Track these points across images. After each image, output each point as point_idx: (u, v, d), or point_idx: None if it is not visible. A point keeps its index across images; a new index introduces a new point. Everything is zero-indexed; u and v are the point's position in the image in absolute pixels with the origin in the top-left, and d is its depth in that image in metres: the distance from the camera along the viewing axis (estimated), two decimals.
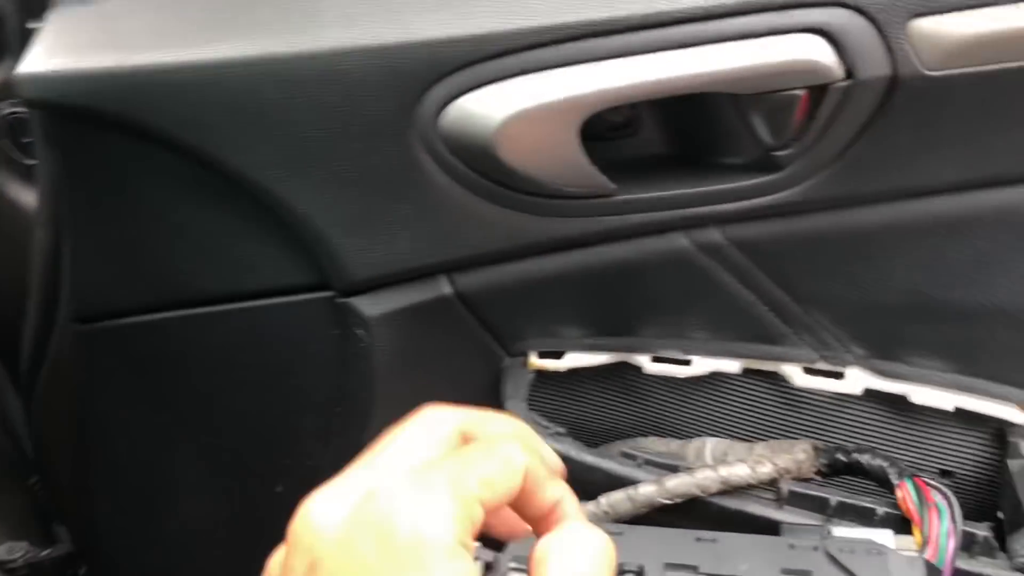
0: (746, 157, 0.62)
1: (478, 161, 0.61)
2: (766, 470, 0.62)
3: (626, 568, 0.52)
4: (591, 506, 0.63)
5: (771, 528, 0.61)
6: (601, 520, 0.62)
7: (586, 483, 0.66)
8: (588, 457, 0.66)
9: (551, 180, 0.61)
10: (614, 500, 0.63)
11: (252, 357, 0.73)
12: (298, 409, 0.74)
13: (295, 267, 0.68)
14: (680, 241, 0.64)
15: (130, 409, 0.78)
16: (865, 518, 0.60)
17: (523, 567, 0.52)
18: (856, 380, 0.67)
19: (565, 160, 0.60)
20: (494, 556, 0.54)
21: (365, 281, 0.66)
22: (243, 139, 0.62)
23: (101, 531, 0.86)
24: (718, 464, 0.63)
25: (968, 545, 0.58)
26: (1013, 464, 0.65)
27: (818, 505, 0.61)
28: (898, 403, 0.68)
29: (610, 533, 0.54)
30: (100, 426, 0.79)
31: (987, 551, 0.59)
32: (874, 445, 0.68)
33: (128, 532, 0.85)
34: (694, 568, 0.52)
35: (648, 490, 0.62)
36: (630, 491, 0.62)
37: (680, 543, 0.54)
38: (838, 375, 0.68)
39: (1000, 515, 0.65)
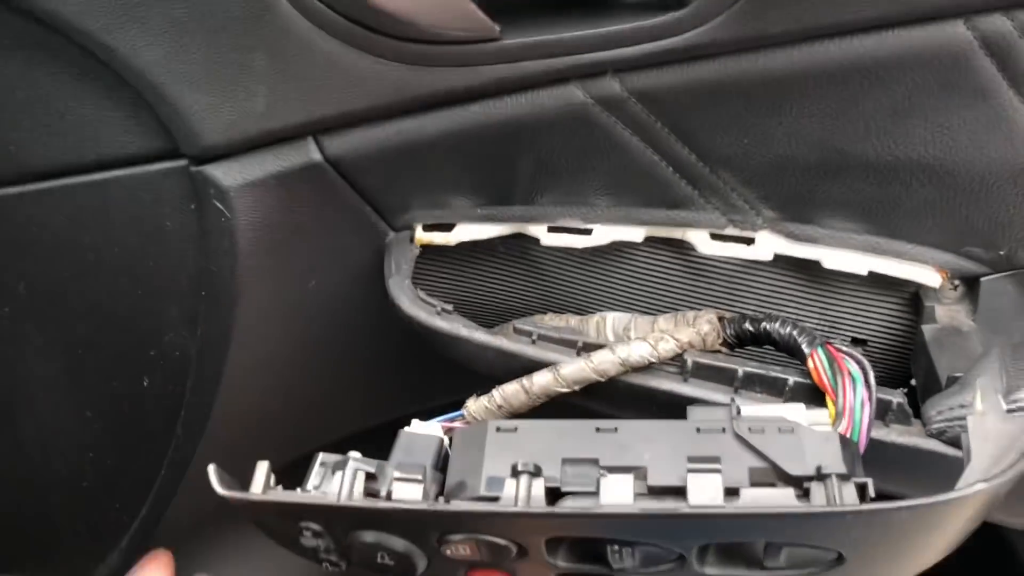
0: None
1: (342, 0, 0.53)
2: (668, 347, 0.57)
3: (522, 468, 0.47)
4: (484, 400, 0.58)
5: (676, 403, 0.56)
6: (495, 415, 0.57)
7: (477, 363, 0.61)
8: (478, 335, 0.60)
9: (426, 22, 0.54)
10: (508, 393, 0.57)
11: (101, 238, 0.65)
12: (158, 295, 0.67)
13: (141, 132, 0.60)
14: (575, 94, 0.58)
15: None
16: (775, 389, 0.56)
17: (408, 475, 0.49)
18: (766, 245, 0.63)
19: None
20: (376, 464, 0.50)
21: (220, 146, 0.59)
22: None
23: None
24: (617, 344, 0.58)
25: (882, 413, 0.55)
26: (927, 329, 0.62)
27: (725, 377, 0.57)
28: (810, 268, 0.64)
29: (504, 430, 0.50)
30: None
31: (901, 418, 0.55)
32: (784, 314, 0.64)
33: None
34: (594, 461, 0.48)
35: (543, 379, 0.57)
36: (524, 381, 0.57)
37: (578, 435, 0.50)
38: (747, 240, 0.63)
39: (912, 382, 0.62)
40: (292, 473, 0.51)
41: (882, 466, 0.54)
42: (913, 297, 0.64)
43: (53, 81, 0.59)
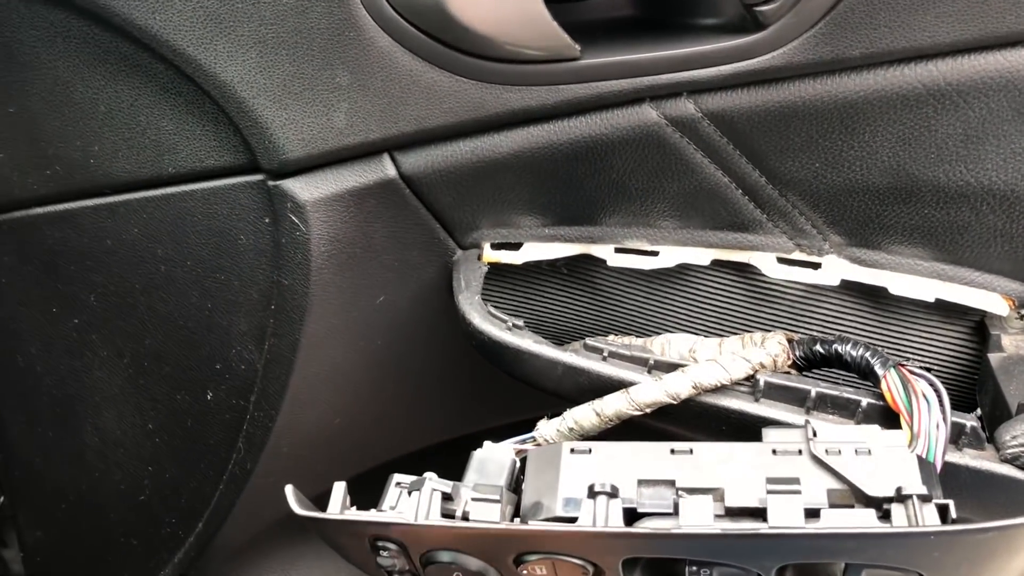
0: (724, 16, 0.56)
1: (425, 18, 0.54)
2: (741, 368, 0.57)
3: (599, 489, 0.48)
4: (555, 423, 0.58)
5: (747, 423, 0.56)
6: (567, 437, 0.57)
7: (545, 379, 0.61)
8: (548, 350, 0.60)
9: (509, 40, 0.55)
10: (579, 416, 0.57)
11: (175, 251, 0.66)
12: (228, 308, 0.68)
13: (220, 146, 0.61)
14: (649, 114, 0.58)
15: (39, 312, 0.71)
16: (847, 411, 0.56)
17: (484, 496, 0.50)
18: (833, 270, 0.63)
19: (526, 16, 0.54)
20: (452, 485, 0.50)
21: (298, 161, 0.60)
22: None
23: (15, 447, 0.80)
24: (689, 366, 0.58)
25: (955, 437, 0.55)
26: (994, 358, 0.61)
27: (797, 398, 0.57)
28: (876, 294, 0.64)
29: (578, 452, 0.51)
30: (5, 331, 0.72)
31: (975, 442, 0.55)
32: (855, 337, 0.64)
33: (45, 447, 0.78)
34: (671, 483, 0.49)
35: (616, 402, 0.57)
36: (596, 404, 0.57)
37: (653, 457, 0.50)
38: (814, 265, 0.63)
39: (978, 411, 0.62)
40: (353, 489, 0.51)
41: (955, 490, 0.54)
42: (979, 325, 0.64)
43: (135, 95, 0.60)
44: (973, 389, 0.65)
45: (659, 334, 0.68)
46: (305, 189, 0.61)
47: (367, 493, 0.52)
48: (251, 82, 0.57)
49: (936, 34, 0.53)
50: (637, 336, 0.70)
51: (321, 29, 0.55)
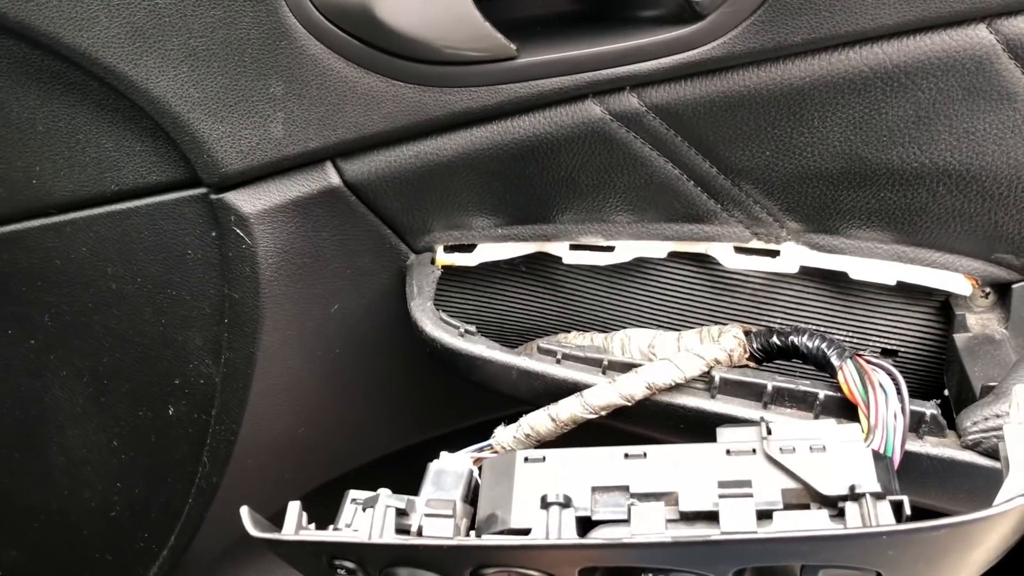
0: (662, 7, 0.55)
1: (356, 23, 0.53)
2: (695, 365, 0.56)
3: (552, 500, 0.47)
4: (512, 429, 0.57)
5: (705, 420, 0.55)
6: (524, 444, 0.57)
7: (501, 384, 0.60)
8: (501, 355, 0.59)
9: (443, 43, 0.53)
10: (535, 422, 0.56)
11: (123, 268, 0.65)
12: (181, 323, 0.67)
13: (161, 161, 0.60)
14: (593, 110, 0.57)
15: None
16: (805, 403, 0.55)
17: (438, 511, 0.49)
18: (791, 257, 0.62)
19: (456, 17, 0.52)
20: (406, 500, 0.50)
21: (239, 173, 0.59)
22: (79, 10, 0.54)
23: None
24: (643, 366, 0.57)
25: (915, 425, 0.54)
26: (959, 338, 0.61)
27: (754, 393, 0.56)
28: (837, 280, 0.63)
29: (532, 460, 0.50)
30: None
31: (935, 430, 0.54)
32: (812, 327, 0.63)
33: (11, 468, 0.78)
34: (625, 488, 0.48)
35: (570, 407, 0.56)
36: (551, 410, 0.56)
37: (607, 462, 0.50)
38: (772, 253, 0.63)
39: (946, 393, 0.61)
40: (320, 498, 0.50)
41: (917, 479, 0.53)
42: (943, 306, 0.63)
43: (72, 113, 0.59)
44: (941, 371, 0.64)
45: (621, 328, 0.67)
46: (248, 201, 0.60)
47: (337, 500, 0.52)
48: (184, 96, 0.56)
49: (878, 16, 0.52)
50: (599, 331, 0.69)
51: (251, 39, 0.54)
